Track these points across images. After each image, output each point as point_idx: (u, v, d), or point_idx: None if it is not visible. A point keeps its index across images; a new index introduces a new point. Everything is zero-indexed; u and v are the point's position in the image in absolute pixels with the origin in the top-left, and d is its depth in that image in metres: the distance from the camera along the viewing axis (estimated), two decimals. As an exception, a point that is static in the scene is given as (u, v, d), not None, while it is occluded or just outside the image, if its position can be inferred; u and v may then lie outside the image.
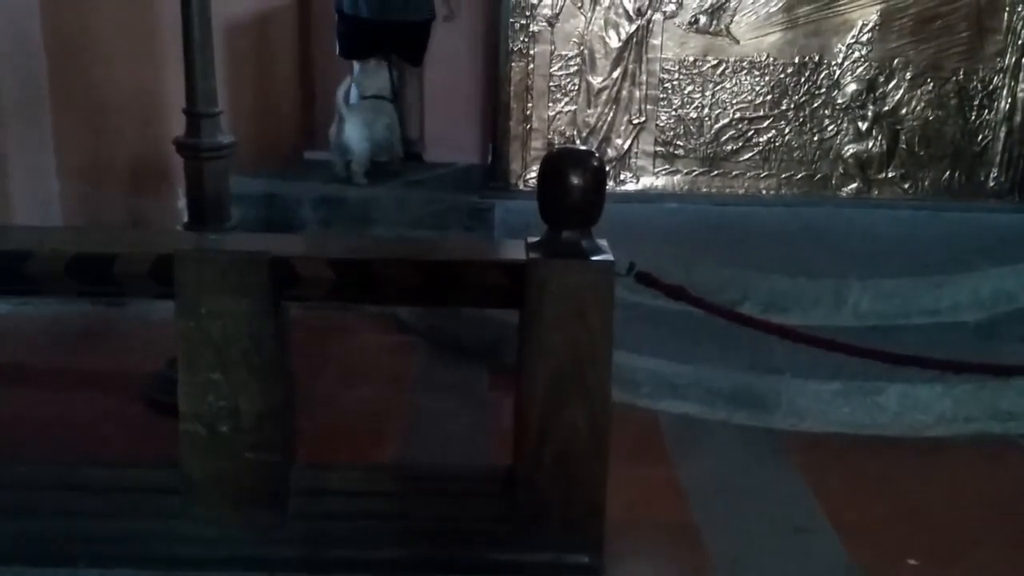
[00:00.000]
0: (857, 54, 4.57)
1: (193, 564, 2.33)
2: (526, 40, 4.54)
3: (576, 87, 4.62)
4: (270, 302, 2.27)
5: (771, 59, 4.58)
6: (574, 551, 2.35)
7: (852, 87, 4.61)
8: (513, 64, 4.57)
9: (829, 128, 4.67)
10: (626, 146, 4.69)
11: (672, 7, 4.52)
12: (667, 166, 4.71)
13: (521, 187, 4.59)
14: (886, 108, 4.63)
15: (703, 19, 4.53)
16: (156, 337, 3.28)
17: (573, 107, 4.64)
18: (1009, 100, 4.61)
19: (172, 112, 3.49)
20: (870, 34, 4.54)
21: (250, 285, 2.24)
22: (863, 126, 4.65)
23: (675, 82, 4.62)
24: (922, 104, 4.63)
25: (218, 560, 2.33)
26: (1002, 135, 4.65)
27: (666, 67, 4.60)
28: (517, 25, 4.51)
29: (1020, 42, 4.53)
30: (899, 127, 4.65)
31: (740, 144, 4.68)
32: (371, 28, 5.47)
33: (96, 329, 3.88)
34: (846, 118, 4.65)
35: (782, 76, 4.60)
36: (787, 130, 4.66)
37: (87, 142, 4.18)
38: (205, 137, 3.08)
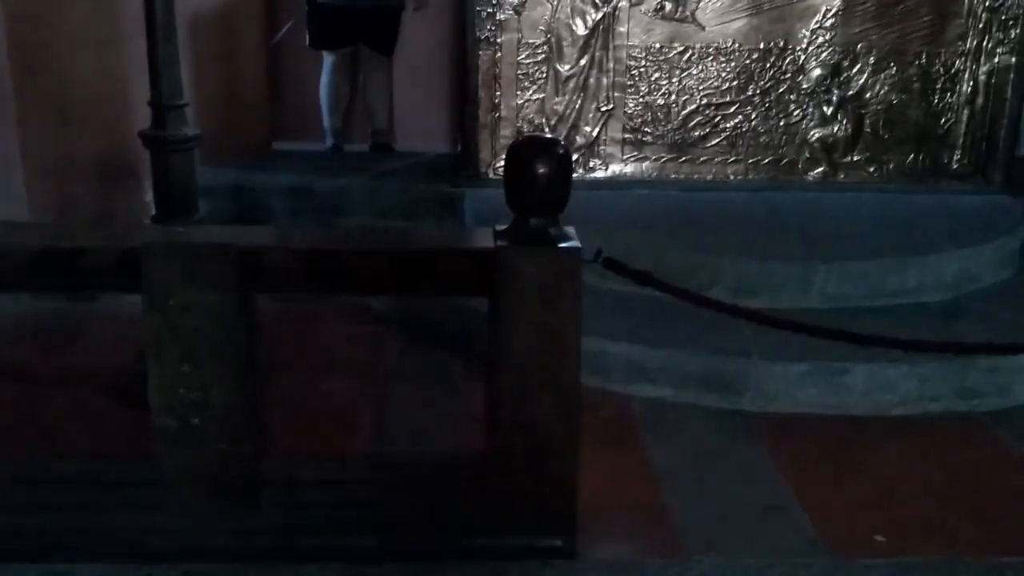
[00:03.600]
0: (821, 39, 4.61)
1: (167, 556, 2.33)
2: (493, 28, 4.54)
3: (544, 75, 4.63)
4: (238, 294, 2.27)
5: (737, 45, 4.61)
6: (547, 534, 2.38)
7: (817, 72, 4.65)
8: (481, 52, 4.57)
9: (795, 113, 4.71)
10: (594, 133, 4.70)
11: (638, -7, 4.54)
12: (635, 153, 4.74)
13: (491, 176, 4.60)
14: (851, 92, 4.68)
15: (669, 6, 4.55)
16: (128, 331, 3.27)
17: (541, 95, 4.65)
18: (971, 83, 4.67)
19: (138, 105, 3.46)
20: (834, 19, 4.58)
21: (218, 277, 2.24)
22: (828, 110, 4.69)
23: (642, 69, 4.64)
24: (886, 88, 4.68)
25: (192, 551, 2.33)
26: (965, 118, 4.72)
27: (633, 54, 4.62)
28: (484, 13, 4.51)
29: (981, 26, 4.59)
30: (864, 111, 4.70)
31: (707, 130, 4.71)
32: (342, 17, 5.45)
33: (67, 324, 3.85)
34: (811, 103, 4.69)
35: (748, 62, 4.63)
36: (753, 115, 4.70)
37: (53, 137, 4.14)
38: (171, 129, 3.06)
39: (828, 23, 4.59)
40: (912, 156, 4.76)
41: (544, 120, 4.67)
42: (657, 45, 4.61)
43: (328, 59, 5.67)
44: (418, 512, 2.48)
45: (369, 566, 2.33)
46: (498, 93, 4.62)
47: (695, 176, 4.75)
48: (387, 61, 5.71)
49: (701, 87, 4.66)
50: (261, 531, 2.39)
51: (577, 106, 4.67)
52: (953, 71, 4.66)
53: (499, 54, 4.58)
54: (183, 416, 2.31)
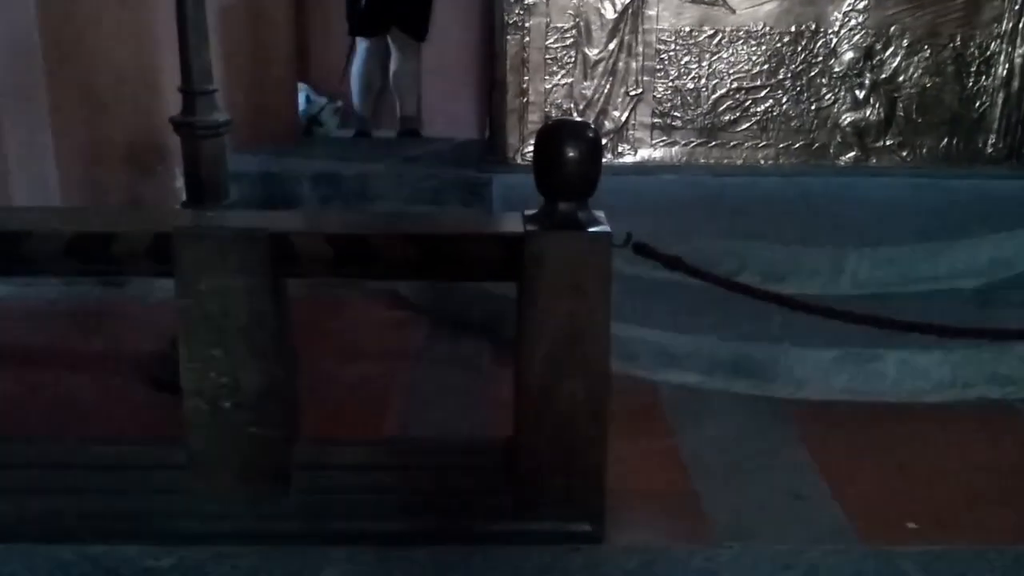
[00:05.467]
0: (854, 22, 4.55)
1: (197, 539, 2.35)
2: (521, 13, 4.52)
3: (572, 59, 4.60)
4: (269, 278, 2.28)
5: (767, 28, 4.56)
6: (575, 519, 2.38)
7: (849, 55, 4.60)
8: (509, 37, 4.55)
9: (826, 97, 4.66)
10: (623, 118, 4.68)
11: (667, -23, 4.50)
12: (665, 138, 4.71)
13: (519, 161, 4.59)
14: (883, 76, 4.62)
15: (698, -11, 4.52)
16: (158, 316, 3.30)
17: (569, 80, 4.63)
18: (1006, 66, 4.60)
19: (168, 91, 3.49)
20: (866, 1, 4.53)
21: (248, 262, 2.25)
22: (860, 94, 4.64)
23: (671, 53, 4.61)
24: (919, 71, 4.62)
25: (222, 534, 2.35)
26: (1000, 101, 4.65)
27: (662, 38, 4.59)
28: (512, -2, 4.50)
29: (1017, 7, 4.52)
30: (896, 95, 4.65)
31: (737, 114, 4.67)
32: (379, 3, 5.46)
33: (98, 309, 3.90)
34: (843, 86, 4.64)
35: (779, 45, 4.59)
36: (784, 99, 4.65)
37: (84, 122, 4.17)
38: (201, 115, 3.07)
39: (861, 5, 4.53)
40: (946, 140, 4.70)
41: (572, 105, 4.66)
42: (687, 29, 4.58)
43: (362, 45, 5.69)
44: (447, 496, 2.48)
45: (398, 549, 2.34)
46: (526, 78, 4.61)
47: (725, 161, 4.72)
48: (416, 47, 5.72)
49: (731, 71, 4.62)
50: (291, 514, 2.41)
51: (606, 91, 4.64)
52: (988, 54, 4.59)
53: (527, 39, 4.56)
54: (214, 400, 2.32)
